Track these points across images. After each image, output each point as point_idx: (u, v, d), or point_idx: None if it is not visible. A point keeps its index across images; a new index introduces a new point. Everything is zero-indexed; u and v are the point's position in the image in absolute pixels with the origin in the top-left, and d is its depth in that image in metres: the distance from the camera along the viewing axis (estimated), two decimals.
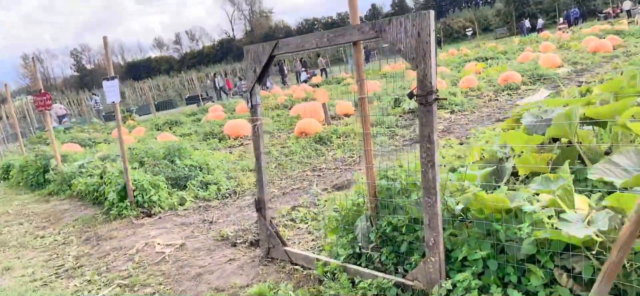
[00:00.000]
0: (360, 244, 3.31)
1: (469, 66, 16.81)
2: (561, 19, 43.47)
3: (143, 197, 6.05)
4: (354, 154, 7.42)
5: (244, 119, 13.89)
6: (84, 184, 7.20)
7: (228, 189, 6.46)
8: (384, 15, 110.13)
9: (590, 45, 15.63)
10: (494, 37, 50.01)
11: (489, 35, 56.46)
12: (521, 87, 11.25)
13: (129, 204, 5.99)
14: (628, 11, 37.98)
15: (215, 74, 38.79)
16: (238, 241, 4.48)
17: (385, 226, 3.11)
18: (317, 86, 23.31)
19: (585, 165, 3.26)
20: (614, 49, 15.15)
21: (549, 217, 2.56)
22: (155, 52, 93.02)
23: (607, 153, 3.35)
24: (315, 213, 4.87)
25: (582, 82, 10.91)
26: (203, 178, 6.86)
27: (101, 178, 6.92)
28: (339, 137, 8.54)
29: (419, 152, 2.71)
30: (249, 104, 3.86)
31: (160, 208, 5.99)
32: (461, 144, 6.50)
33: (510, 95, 10.80)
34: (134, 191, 6.05)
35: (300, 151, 7.93)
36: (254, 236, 4.53)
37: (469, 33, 58.54)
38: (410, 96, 2.70)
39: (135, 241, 4.96)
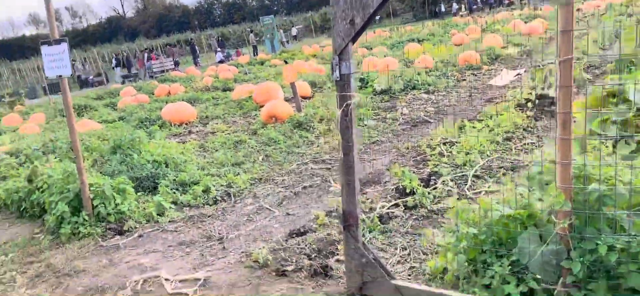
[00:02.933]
0: (536, 276, 2.29)
1: (409, 46, 16.47)
2: (455, 6, 45.93)
3: (106, 207, 4.41)
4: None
5: (181, 101, 12.09)
6: (4, 190, 5.23)
7: (218, 190, 5.02)
8: None
9: (524, 28, 16.10)
10: (401, 22, 51.45)
11: (394, 20, 58.06)
12: (482, 67, 10.96)
13: (87, 217, 4.33)
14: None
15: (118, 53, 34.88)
16: (288, 269, 3.22)
17: (599, 250, 2.12)
18: (244, 65, 21.63)
19: None
20: (545, 32, 15.75)
21: None
22: (30, 30, 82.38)
23: None
24: (375, 221, 3.73)
25: (539, 61, 10.91)
26: (176, 176, 5.33)
27: (30, 181, 5.04)
28: (321, 121, 7.39)
29: None
30: (336, 73, 2.62)
31: (134, 221, 4.41)
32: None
33: (475, 75, 10.45)
34: (92, 199, 4.38)
35: (282, 140, 6.65)
36: (307, 258, 3.29)
37: (376, 17, 59.68)
38: None
39: (121, 275, 3.44)
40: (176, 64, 28.73)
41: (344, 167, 2.72)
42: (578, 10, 23.51)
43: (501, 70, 10.71)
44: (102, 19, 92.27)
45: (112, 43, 67.04)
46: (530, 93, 7.16)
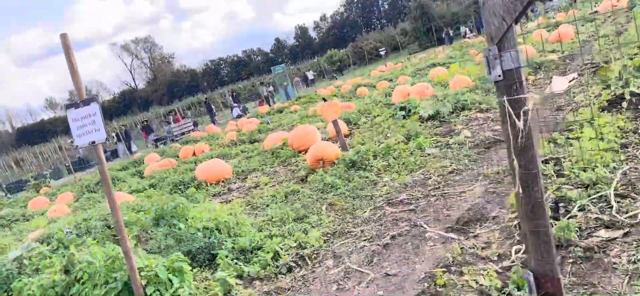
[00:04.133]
0: None
1: (434, 71, 15.79)
2: (463, 30, 45.63)
3: (162, 294, 3.59)
4: (428, 173, 5.50)
5: (210, 158, 11.45)
6: (38, 286, 4.45)
7: (289, 254, 4.18)
8: (289, 48, 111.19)
9: (552, 36, 15.35)
10: (408, 53, 51.24)
11: (401, 53, 58.03)
12: (529, 78, 10.14)
13: None
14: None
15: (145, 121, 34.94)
16: None
17: None
18: (264, 115, 21.12)
19: None
20: (576, 35, 14.96)
21: None
22: (48, 114, 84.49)
23: None
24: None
25: (585, 64, 10.07)
26: (234, 243, 4.51)
27: (67, 272, 4.27)
28: (375, 158, 6.58)
29: None
30: (496, 70, 1.83)
31: None
32: None
33: (534, 84, 9.61)
34: (144, 286, 3.58)
35: (341, 184, 5.83)
36: None
37: (382, 53, 59.83)
38: None
39: None
40: (195, 124, 28.44)
41: (526, 207, 1.89)
42: (595, 12, 22.80)
43: (551, 77, 9.88)
44: (115, 94, 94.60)
45: (127, 116, 68.06)
46: (611, 94, 6.31)
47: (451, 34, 44.87)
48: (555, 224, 3.16)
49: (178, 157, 14.86)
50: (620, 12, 18.51)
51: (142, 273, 3.60)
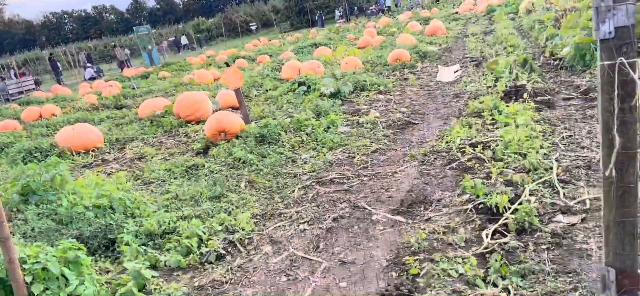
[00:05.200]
0: None
1: (319, 50, 15.70)
2: (338, 14, 47.21)
3: (54, 293, 2.68)
4: (350, 151, 5.20)
5: (68, 122, 9.72)
6: None
7: (215, 238, 3.50)
8: (149, 10, 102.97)
9: (429, 28, 16.38)
10: (280, 31, 51.08)
11: (271, 30, 57.66)
12: (418, 65, 10.56)
13: None
14: (389, 7, 43.59)
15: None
16: None
17: None
18: (131, 78, 18.89)
19: None
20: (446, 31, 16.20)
21: None
22: None
23: None
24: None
25: (465, 57, 10.87)
26: (139, 226, 3.67)
27: None
28: (286, 132, 6.10)
29: None
30: (606, 26, 1.52)
31: None
32: None
33: (413, 73, 9.96)
34: (28, 284, 2.62)
35: (255, 160, 5.24)
36: None
37: (253, 27, 58.72)
38: None
39: None
40: (37, 83, 24.32)
41: (616, 192, 1.61)
42: (456, 12, 25.13)
43: (437, 67, 10.44)
44: None
45: None
46: (506, 85, 6.77)
47: (323, 17, 45.89)
48: (519, 208, 3.10)
49: (20, 120, 12.41)
50: (480, 15, 20.66)
51: (25, 267, 2.64)
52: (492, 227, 3.00)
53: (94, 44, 63.12)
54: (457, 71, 9.65)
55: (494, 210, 3.20)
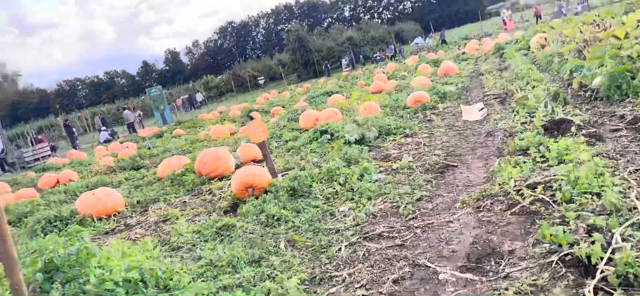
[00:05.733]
0: None
1: (333, 98, 15.59)
2: (345, 63, 47.81)
3: None
4: (391, 200, 4.82)
5: (86, 187, 9.52)
6: None
7: None
8: (158, 72, 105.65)
9: (441, 69, 16.28)
10: (287, 83, 51.76)
11: (279, 83, 58.46)
12: (438, 106, 10.30)
13: None
14: (393, 55, 44.16)
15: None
16: None
17: None
18: (147, 138, 18.83)
19: None
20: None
21: None
22: None
23: None
24: None
25: (487, 95, 10.61)
26: None
27: None
28: (318, 182, 5.75)
29: None
30: None
31: None
32: None
33: (437, 114, 9.68)
34: None
35: (290, 216, 4.88)
36: None
37: (261, 81, 59.65)
38: None
39: None
40: (53, 149, 24.44)
41: None
42: (463, 53, 25.19)
43: (459, 106, 10.17)
44: None
45: None
46: (543, 119, 6.43)
47: (329, 67, 46.52)
48: (612, 257, 2.68)
49: (36, 187, 12.23)
50: (490, 54, 20.61)
51: None
52: (592, 283, 2.57)
53: (107, 108, 64.42)
54: (481, 109, 9.36)
55: (585, 262, 2.78)
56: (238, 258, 3.94)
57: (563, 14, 34.49)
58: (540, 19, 38.36)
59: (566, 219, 3.36)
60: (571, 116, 6.29)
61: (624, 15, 12.61)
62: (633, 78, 6.76)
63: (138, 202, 7.57)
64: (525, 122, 6.86)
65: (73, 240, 4.04)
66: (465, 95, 11.58)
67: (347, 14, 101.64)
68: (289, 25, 78.29)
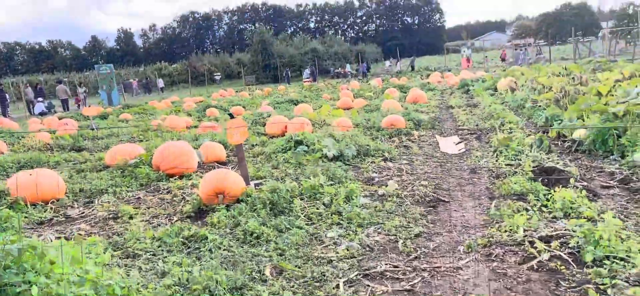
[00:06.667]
0: None
1: (299, 107, 15.03)
2: (306, 73, 47.47)
3: None
4: (386, 232, 4.32)
5: (17, 162, 8.38)
6: None
7: None
8: (107, 50, 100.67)
9: (410, 96, 16.17)
10: (245, 84, 50.66)
11: (235, 82, 57.20)
12: (414, 133, 10.01)
13: None
14: (356, 72, 44.52)
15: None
16: None
17: None
18: (91, 118, 17.32)
19: None
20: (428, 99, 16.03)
21: None
22: None
23: None
24: None
25: (462, 129, 10.49)
26: None
27: None
28: (298, 198, 5.17)
29: None
30: None
31: None
32: None
33: (413, 141, 9.38)
34: None
35: (272, 235, 4.26)
36: None
37: (217, 77, 58.08)
38: None
39: None
40: None
41: None
42: (428, 82, 25.54)
43: (434, 136, 9.95)
44: None
45: None
46: (531, 165, 6.22)
47: (290, 74, 46.03)
48: None
49: None
50: (455, 88, 20.88)
51: None
52: None
53: (45, 77, 60.10)
54: (458, 142, 9.17)
55: None
56: (217, 282, 3.27)
57: (520, 61, 36.09)
58: (504, 61, 41.10)
59: (600, 287, 3.01)
60: (561, 166, 6.12)
61: (598, 73, 13.08)
62: (619, 136, 6.74)
63: (81, 190, 6.65)
64: (510, 165, 6.65)
65: (15, 237, 3.21)
66: (438, 126, 11.42)
67: (312, 25, 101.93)
68: (253, 27, 77.25)
